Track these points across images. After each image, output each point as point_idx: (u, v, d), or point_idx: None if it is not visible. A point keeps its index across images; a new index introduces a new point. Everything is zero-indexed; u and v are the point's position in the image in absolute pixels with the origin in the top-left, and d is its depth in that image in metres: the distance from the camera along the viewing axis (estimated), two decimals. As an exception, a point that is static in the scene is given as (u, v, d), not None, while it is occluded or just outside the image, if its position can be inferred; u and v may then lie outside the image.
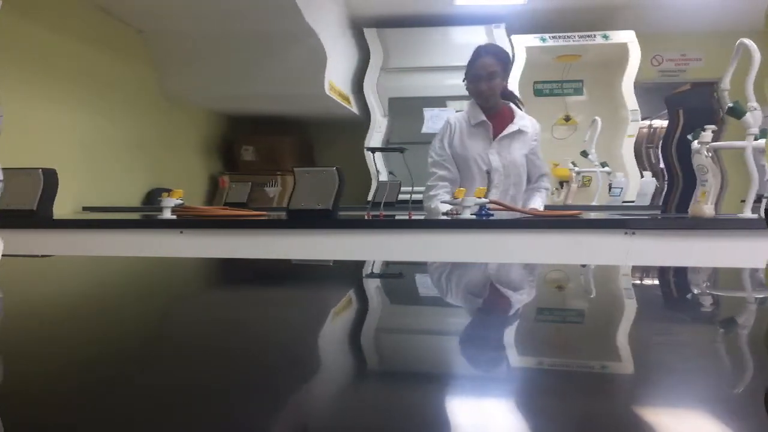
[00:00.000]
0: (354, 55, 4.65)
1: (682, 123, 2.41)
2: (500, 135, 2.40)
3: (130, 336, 0.52)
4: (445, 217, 2.04)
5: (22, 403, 0.33)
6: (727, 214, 2.04)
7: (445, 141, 2.46)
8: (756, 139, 1.86)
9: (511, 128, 2.40)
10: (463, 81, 2.44)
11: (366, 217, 2.00)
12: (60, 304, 0.69)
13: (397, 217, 2.07)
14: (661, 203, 2.69)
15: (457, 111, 4.41)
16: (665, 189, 2.63)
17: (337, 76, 4.12)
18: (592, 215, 2.22)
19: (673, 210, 2.39)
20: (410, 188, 2.30)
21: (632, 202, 4.06)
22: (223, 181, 4.64)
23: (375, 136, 4.55)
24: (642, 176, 4.06)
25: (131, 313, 0.63)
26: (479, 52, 2.38)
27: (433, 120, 4.49)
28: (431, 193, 2.45)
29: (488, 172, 2.31)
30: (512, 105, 2.48)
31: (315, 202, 1.87)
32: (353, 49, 4.63)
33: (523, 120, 2.44)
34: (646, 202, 3.91)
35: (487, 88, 2.35)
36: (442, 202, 2.28)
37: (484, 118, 2.41)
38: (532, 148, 2.46)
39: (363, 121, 4.66)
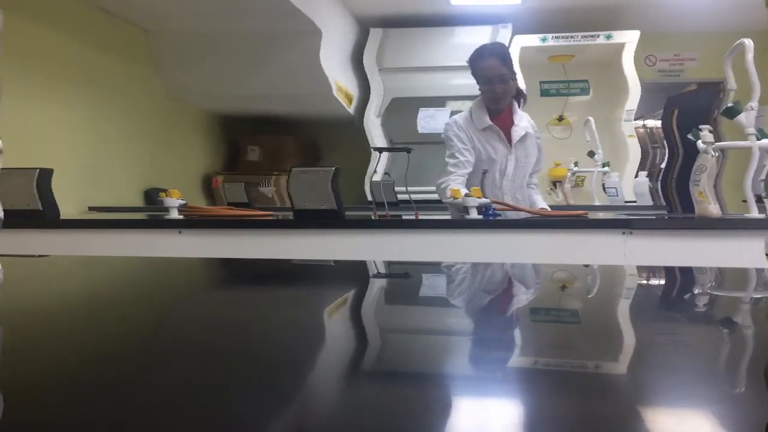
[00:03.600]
0: (356, 55, 4.65)
1: (676, 116, 2.42)
2: (515, 140, 2.36)
3: (132, 336, 0.52)
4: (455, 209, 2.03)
5: (21, 403, 0.33)
6: (733, 213, 2.04)
7: (467, 142, 2.35)
8: (758, 138, 1.87)
9: (519, 132, 2.37)
10: (478, 84, 2.39)
11: (373, 218, 2.00)
12: (61, 304, 0.69)
13: (403, 217, 2.08)
14: (659, 185, 2.68)
15: (452, 112, 4.44)
16: (660, 188, 2.62)
17: (339, 76, 4.12)
18: (600, 215, 2.23)
19: (674, 195, 2.37)
20: (405, 188, 2.26)
21: (634, 202, 4.06)
22: (216, 181, 4.61)
23: (376, 137, 4.54)
24: (637, 176, 4.06)
25: (134, 315, 0.63)
26: (482, 54, 2.32)
27: (426, 120, 4.48)
28: (444, 184, 2.32)
29: (485, 172, 2.29)
30: (514, 103, 2.43)
31: (319, 202, 1.87)
32: (355, 49, 4.63)
33: (522, 120, 2.41)
34: (647, 201, 3.92)
35: (502, 90, 2.31)
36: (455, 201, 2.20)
37: (490, 122, 2.36)
38: (538, 145, 2.46)
39: (363, 122, 4.65)
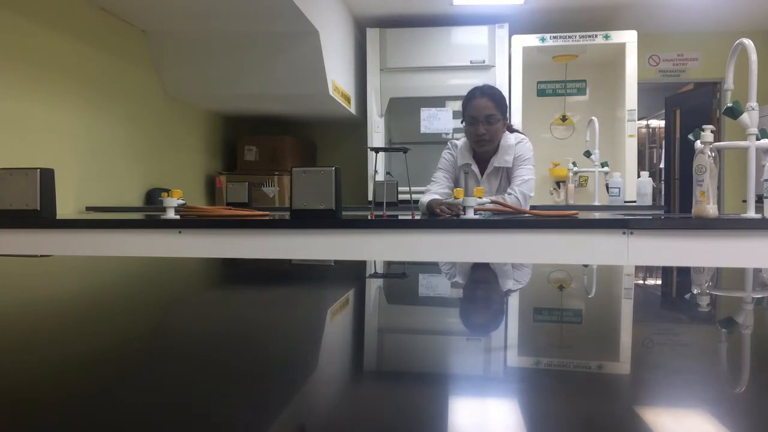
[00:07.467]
0: (356, 55, 4.66)
1: (679, 115, 2.42)
2: (486, 172, 2.34)
3: (132, 336, 0.52)
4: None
5: (18, 405, 0.33)
6: (729, 214, 2.04)
7: (450, 170, 2.40)
8: (758, 138, 1.87)
9: (488, 168, 2.33)
10: (461, 123, 2.34)
11: (369, 217, 2.00)
12: (61, 304, 0.70)
13: (400, 217, 2.08)
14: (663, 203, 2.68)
15: (454, 112, 4.46)
16: (663, 189, 2.63)
17: (339, 77, 4.13)
18: (596, 215, 2.22)
19: (676, 195, 2.38)
20: (408, 188, 2.28)
21: (634, 202, 4.06)
22: (219, 181, 4.64)
23: (375, 137, 4.56)
24: (639, 176, 4.07)
25: (136, 315, 0.64)
26: (473, 93, 2.27)
27: (429, 120, 4.50)
28: (424, 198, 2.37)
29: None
30: (505, 136, 2.33)
31: (317, 202, 1.88)
32: (355, 50, 4.63)
33: (507, 154, 2.30)
34: (648, 201, 3.92)
35: (485, 131, 2.23)
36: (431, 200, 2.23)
37: (469, 160, 2.35)
38: (521, 167, 2.31)
39: (363, 122, 4.67)
